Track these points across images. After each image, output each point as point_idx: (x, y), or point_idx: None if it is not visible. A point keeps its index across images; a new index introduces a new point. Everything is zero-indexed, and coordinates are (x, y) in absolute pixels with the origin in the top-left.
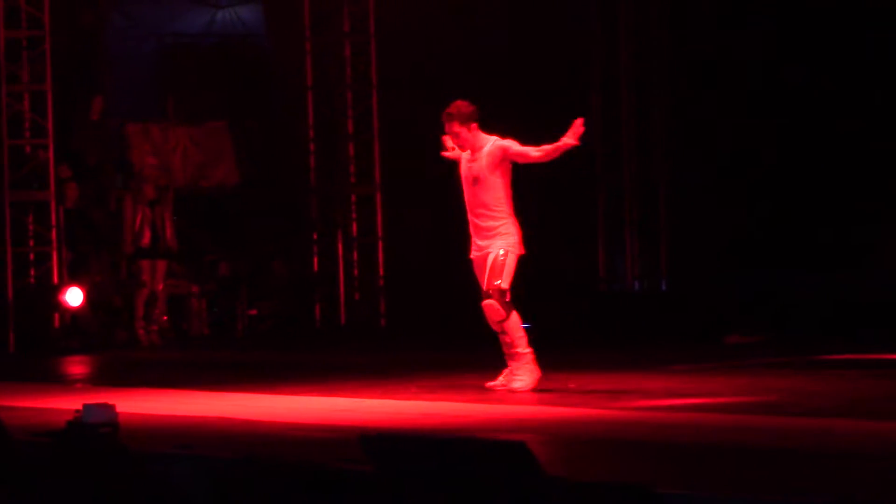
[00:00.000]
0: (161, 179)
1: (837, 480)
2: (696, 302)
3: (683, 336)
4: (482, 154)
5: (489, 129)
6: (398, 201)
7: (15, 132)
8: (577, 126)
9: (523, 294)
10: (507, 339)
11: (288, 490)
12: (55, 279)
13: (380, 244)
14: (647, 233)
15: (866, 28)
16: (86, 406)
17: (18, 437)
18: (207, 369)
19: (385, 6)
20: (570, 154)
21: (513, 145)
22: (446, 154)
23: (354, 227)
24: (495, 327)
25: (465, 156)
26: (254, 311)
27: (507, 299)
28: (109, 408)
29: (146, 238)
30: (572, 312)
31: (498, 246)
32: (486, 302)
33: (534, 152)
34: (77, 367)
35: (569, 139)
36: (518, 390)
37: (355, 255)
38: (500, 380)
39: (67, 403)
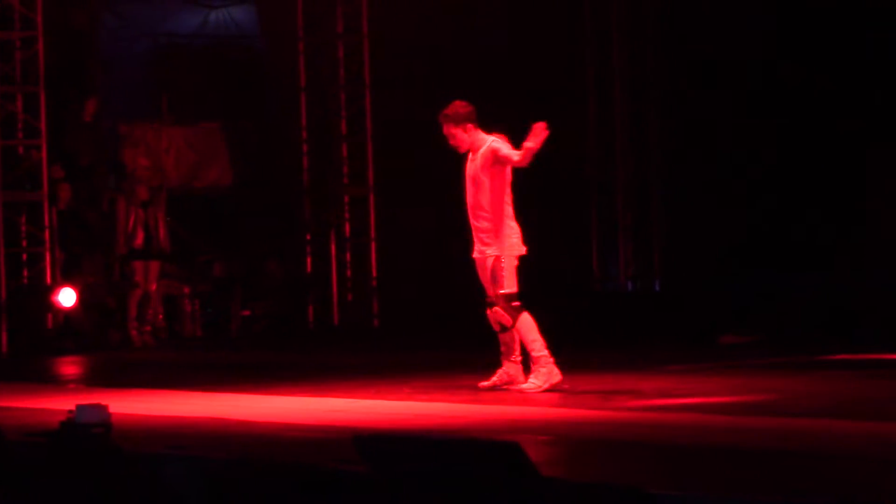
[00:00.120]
0: (154, 180)
1: (834, 481)
2: (690, 302)
3: (677, 336)
4: (478, 155)
5: (485, 129)
6: (391, 202)
7: (8, 133)
8: (538, 130)
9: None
10: (507, 340)
11: (282, 490)
12: (48, 280)
13: (373, 245)
14: (641, 233)
15: (866, 28)
16: (79, 406)
17: (11, 438)
18: (201, 370)
19: (378, 6)
20: (565, 154)
21: (502, 147)
22: None
23: (348, 227)
24: (496, 326)
25: (470, 156)
26: (247, 312)
27: (515, 304)
28: (102, 408)
29: (139, 239)
30: (566, 313)
31: (493, 252)
32: (493, 310)
33: (515, 156)
34: (70, 367)
35: (530, 143)
36: (526, 391)
37: (348, 255)
38: (494, 380)
39: (60, 404)
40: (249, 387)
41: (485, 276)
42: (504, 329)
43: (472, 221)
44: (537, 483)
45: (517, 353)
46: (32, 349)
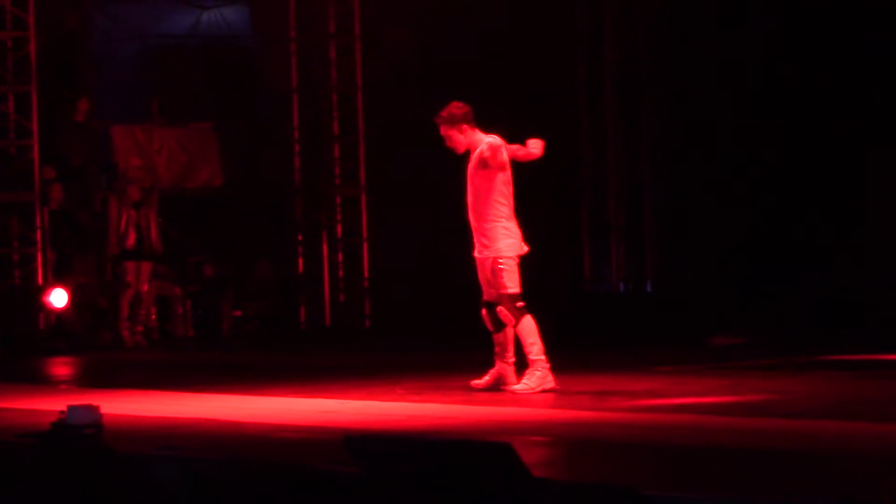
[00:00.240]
0: (146, 181)
1: (833, 481)
2: (683, 303)
3: (670, 337)
4: (473, 156)
5: (483, 130)
6: (383, 202)
7: None
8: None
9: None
10: (501, 340)
11: (273, 491)
12: (40, 280)
13: (365, 245)
14: (633, 234)
15: (866, 28)
16: (70, 407)
17: (3, 439)
18: (193, 370)
19: (370, 7)
20: (558, 154)
21: (484, 151)
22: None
23: (339, 228)
24: (490, 326)
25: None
26: (239, 313)
27: (519, 305)
28: (94, 409)
29: (131, 239)
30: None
31: (489, 253)
32: (498, 309)
33: (492, 162)
34: (62, 368)
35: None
36: (518, 392)
37: (340, 256)
38: (486, 379)
39: (52, 405)
40: (241, 387)
41: (483, 277)
42: (498, 329)
43: (471, 221)
44: (530, 484)
45: (511, 353)
46: (24, 350)
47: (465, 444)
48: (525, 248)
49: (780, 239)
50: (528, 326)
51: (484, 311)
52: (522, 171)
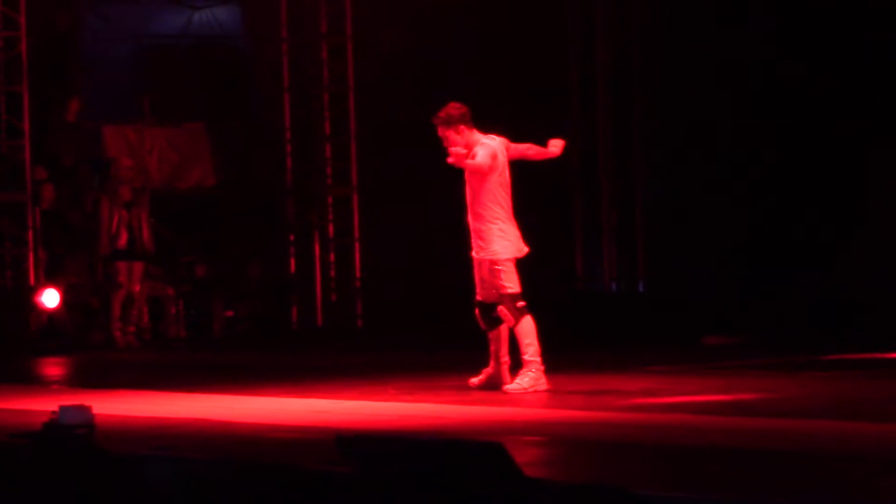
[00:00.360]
0: (137, 181)
1: (833, 481)
2: (675, 303)
3: (662, 337)
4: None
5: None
6: (375, 202)
7: None
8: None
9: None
10: (495, 339)
11: (266, 491)
12: (31, 280)
13: (356, 245)
14: (626, 234)
15: (866, 28)
16: (62, 407)
17: None
18: (185, 371)
19: (362, 7)
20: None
21: (477, 150)
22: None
23: (331, 228)
24: (483, 325)
25: None
26: (230, 313)
27: (520, 305)
28: (86, 409)
29: (123, 239)
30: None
31: (485, 255)
32: (499, 308)
33: (472, 165)
34: (53, 368)
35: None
36: (510, 392)
37: (332, 256)
38: (480, 378)
39: (44, 405)
40: (233, 387)
41: (479, 276)
42: (491, 327)
43: (469, 221)
44: (523, 484)
45: (505, 353)
46: (15, 350)
47: (457, 444)
48: (525, 250)
49: (780, 239)
50: (527, 327)
51: (476, 311)
52: (515, 172)
